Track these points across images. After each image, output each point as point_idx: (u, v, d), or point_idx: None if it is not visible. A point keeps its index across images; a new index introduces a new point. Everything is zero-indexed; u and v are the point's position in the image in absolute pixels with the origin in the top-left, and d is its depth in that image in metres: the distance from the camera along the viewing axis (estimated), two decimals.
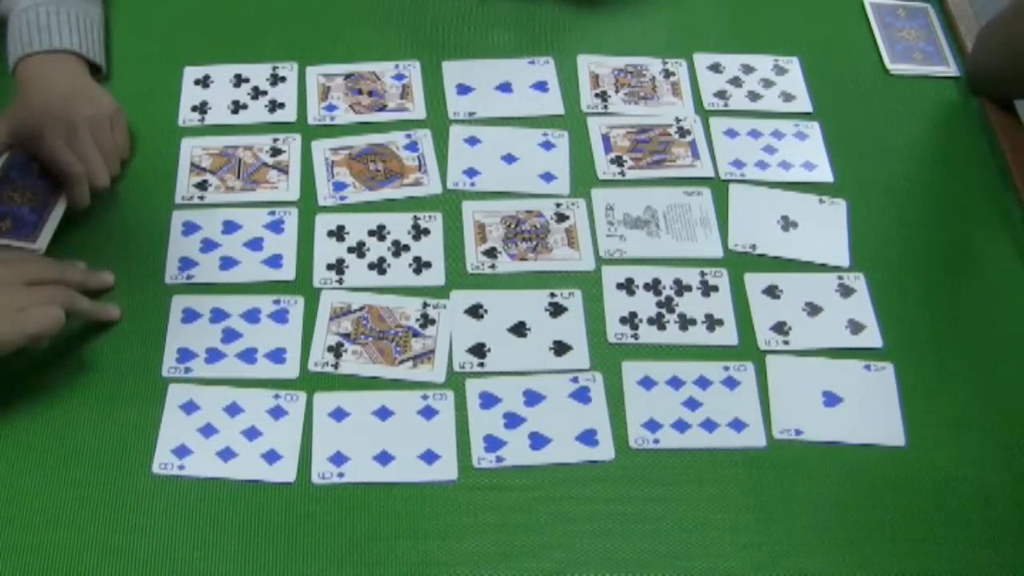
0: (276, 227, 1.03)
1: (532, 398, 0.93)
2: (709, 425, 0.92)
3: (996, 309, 1.01)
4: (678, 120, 1.12)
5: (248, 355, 0.94)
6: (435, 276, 1.00)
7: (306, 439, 0.90)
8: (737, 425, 0.92)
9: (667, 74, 1.16)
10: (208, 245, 1.01)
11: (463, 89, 1.14)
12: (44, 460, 0.88)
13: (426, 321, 0.97)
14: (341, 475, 0.88)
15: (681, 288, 1.00)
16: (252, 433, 0.90)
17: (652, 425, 0.92)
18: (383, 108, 1.12)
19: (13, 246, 0.97)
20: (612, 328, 0.97)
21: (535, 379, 0.94)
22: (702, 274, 1.01)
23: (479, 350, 0.95)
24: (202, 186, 1.05)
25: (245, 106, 1.12)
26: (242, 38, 1.18)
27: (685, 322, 0.98)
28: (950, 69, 1.19)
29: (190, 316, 0.97)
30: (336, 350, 0.95)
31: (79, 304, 0.93)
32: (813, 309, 1.00)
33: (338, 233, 1.03)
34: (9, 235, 0.97)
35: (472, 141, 1.10)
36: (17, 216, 0.99)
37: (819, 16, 1.23)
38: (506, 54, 1.17)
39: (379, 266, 1.01)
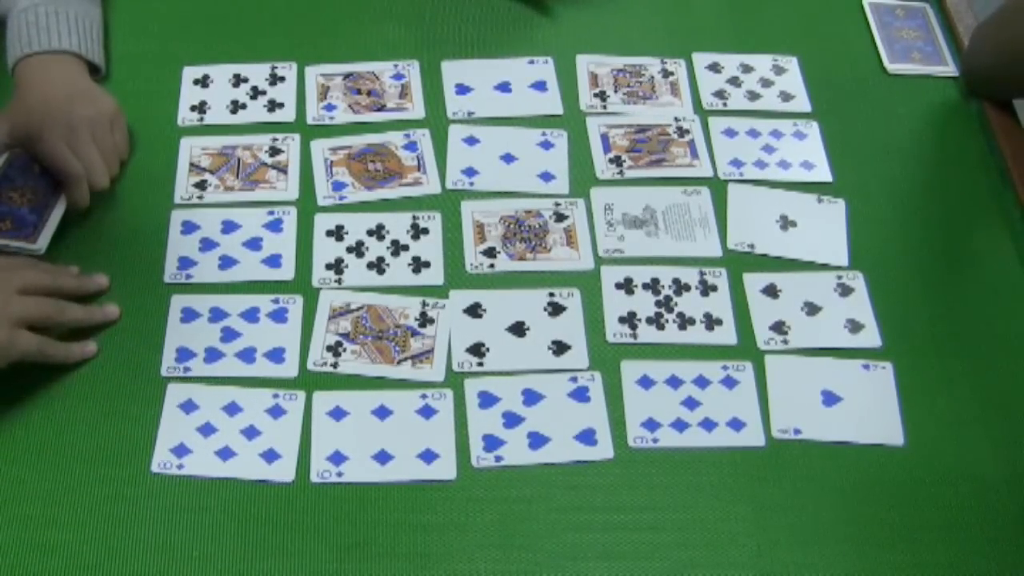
0: (275, 227, 1.03)
1: (531, 397, 0.93)
2: (708, 424, 0.92)
3: (995, 308, 1.01)
4: (677, 120, 1.13)
5: (247, 354, 0.94)
6: (434, 276, 1.00)
7: (305, 438, 0.90)
8: (736, 424, 0.92)
9: (666, 74, 1.17)
10: (207, 245, 1.01)
11: (462, 89, 1.14)
12: (44, 458, 0.88)
13: (425, 320, 0.97)
14: (340, 474, 0.88)
15: (680, 288, 1.00)
16: (251, 432, 0.90)
17: (651, 424, 0.92)
18: (382, 108, 1.12)
19: (13, 246, 0.97)
20: (611, 327, 0.97)
21: (534, 378, 0.94)
22: (701, 273, 1.01)
23: (478, 349, 0.95)
24: (201, 186, 1.05)
25: (244, 106, 1.12)
26: (241, 38, 1.18)
27: (684, 321, 0.98)
28: (949, 69, 1.19)
29: (189, 315, 0.97)
30: (335, 349, 0.95)
31: (69, 314, 0.93)
32: (812, 308, 1.00)
33: (337, 233, 1.03)
34: (9, 235, 0.97)
35: (471, 141, 1.10)
36: (17, 216, 0.99)
37: (818, 16, 1.23)
38: (505, 54, 1.18)
39: (378, 266, 1.01)
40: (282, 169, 1.07)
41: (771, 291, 1.01)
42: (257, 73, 1.15)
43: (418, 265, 1.01)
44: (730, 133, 1.12)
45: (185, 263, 1.00)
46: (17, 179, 1.01)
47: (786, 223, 1.06)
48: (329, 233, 1.03)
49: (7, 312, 0.88)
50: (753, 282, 1.01)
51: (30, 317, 0.89)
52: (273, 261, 1.01)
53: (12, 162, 1.02)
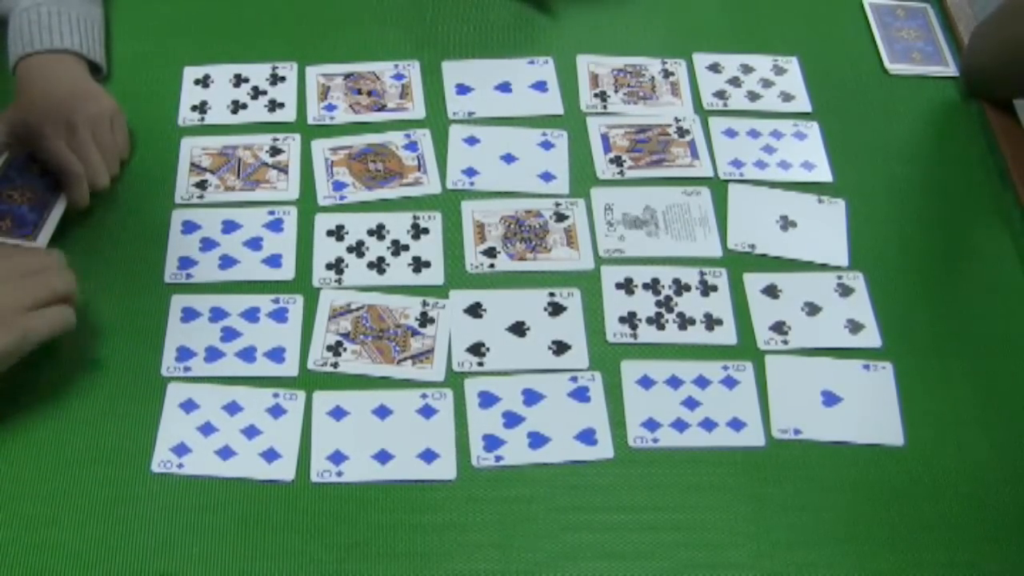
0: (276, 226, 1.03)
1: (531, 397, 0.93)
2: (708, 424, 0.92)
3: (995, 309, 1.01)
4: (677, 120, 1.13)
5: (247, 354, 0.94)
6: (434, 275, 1.00)
7: (305, 438, 0.90)
8: (736, 424, 0.92)
9: (666, 74, 1.17)
10: (208, 244, 1.01)
11: (462, 89, 1.14)
12: (44, 458, 0.88)
13: (425, 320, 0.97)
14: (340, 474, 0.88)
15: (680, 288, 1.00)
16: (251, 432, 0.90)
17: (651, 424, 0.92)
18: (382, 108, 1.12)
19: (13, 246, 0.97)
20: (611, 327, 0.97)
21: (534, 378, 0.94)
22: (701, 274, 1.01)
23: (478, 349, 0.95)
24: (202, 185, 1.06)
25: (245, 106, 1.12)
26: (242, 38, 1.18)
27: (684, 322, 0.98)
28: (949, 69, 1.19)
29: (189, 315, 0.97)
30: (335, 349, 0.95)
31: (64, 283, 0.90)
32: (812, 309, 1.00)
33: (337, 232, 1.03)
34: (9, 234, 0.98)
35: (471, 141, 1.10)
36: (17, 215, 0.99)
37: (818, 16, 1.23)
38: (505, 54, 1.18)
39: (378, 265, 1.01)
40: (282, 169, 1.07)
41: (771, 291, 1.01)
42: (258, 73, 1.15)
43: (418, 265, 1.01)
44: (730, 133, 1.12)
45: (185, 263, 1.00)
46: (17, 178, 1.01)
47: (786, 223, 1.06)
48: (329, 233, 1.03)
49: (17, 302, 0.85)
50: (753, 282, 1.01)
51: (37, 301, 0.87)
52: (273, 261, 1.01)
53: (12, 161, 1.02)
